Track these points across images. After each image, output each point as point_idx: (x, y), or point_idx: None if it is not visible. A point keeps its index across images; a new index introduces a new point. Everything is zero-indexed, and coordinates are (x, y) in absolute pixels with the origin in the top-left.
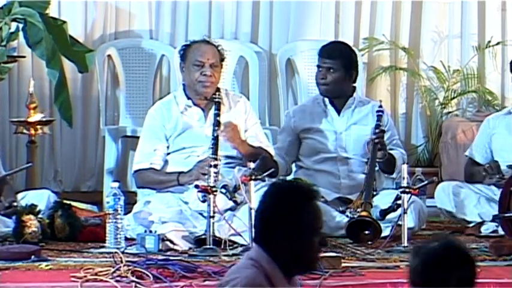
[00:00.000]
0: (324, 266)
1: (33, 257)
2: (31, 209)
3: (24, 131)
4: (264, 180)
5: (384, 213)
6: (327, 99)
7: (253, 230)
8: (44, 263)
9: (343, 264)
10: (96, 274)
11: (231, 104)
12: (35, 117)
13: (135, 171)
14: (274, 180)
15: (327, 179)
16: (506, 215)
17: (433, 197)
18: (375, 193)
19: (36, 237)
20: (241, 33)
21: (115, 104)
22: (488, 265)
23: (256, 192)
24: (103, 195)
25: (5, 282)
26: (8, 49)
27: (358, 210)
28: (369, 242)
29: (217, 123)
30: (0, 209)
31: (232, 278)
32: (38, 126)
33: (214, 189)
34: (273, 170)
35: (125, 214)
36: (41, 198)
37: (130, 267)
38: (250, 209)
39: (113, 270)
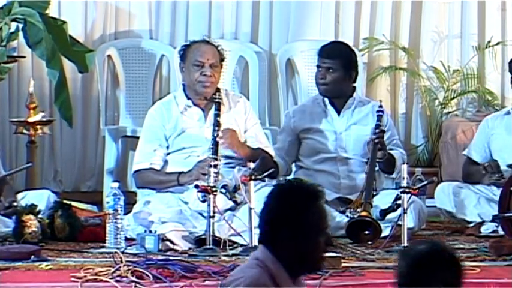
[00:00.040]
0: (324, 266)
1: (33, 257)
2: (31, 209)
3: (24, 131)
4: (264, 180)
5: (384, 213)
6: (326, 99)
7: (258, 230)
8: (44, 263)
9: (343, 264)
10: (96, 274)
11: (231, 104)
12: (35, 117)
13: (135, 172)
14: (274, 180)
15: (327, 179)
16: (506, 215)
17: (433, 197)
18: (374, 193)
19: (36, 237)
20: (241, 33)
21: (115, 104)
22: (488, 265)
23: (256, 193)
24: (103, 195)
25: (5, 282)
26: (8, 49)
27: (358, 210)
28: (369, 242)
29: (217, 124)
30: (0, 209)
31: (236, 278)
32: (38, 126)
33: (214, 189)
34: (272, 170)
35: (125, 214)
36: (41, 198)
37: (130, 267)
38: (250, 209)
39: (112, 270)
